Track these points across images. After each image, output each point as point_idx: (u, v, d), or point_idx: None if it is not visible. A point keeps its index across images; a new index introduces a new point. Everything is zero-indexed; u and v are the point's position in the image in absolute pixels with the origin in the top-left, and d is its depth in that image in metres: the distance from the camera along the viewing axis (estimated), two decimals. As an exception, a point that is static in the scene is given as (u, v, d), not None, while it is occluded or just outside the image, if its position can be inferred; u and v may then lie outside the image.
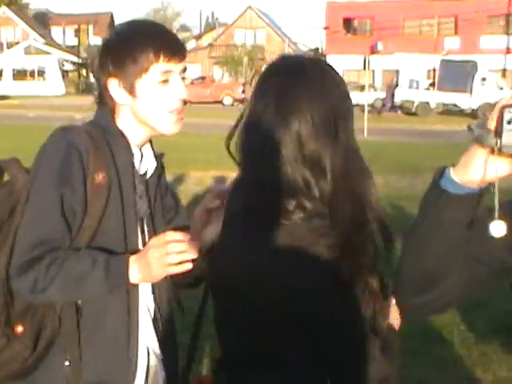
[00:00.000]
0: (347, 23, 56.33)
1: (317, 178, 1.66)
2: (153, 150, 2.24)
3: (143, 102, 2.05)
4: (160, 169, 2.26)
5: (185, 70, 2.09)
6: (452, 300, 1.62)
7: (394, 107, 39.97)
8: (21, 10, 69.29)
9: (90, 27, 67.09)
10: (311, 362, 1.66)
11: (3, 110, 34.59)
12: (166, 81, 2.04)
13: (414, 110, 38.66)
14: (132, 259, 1.91)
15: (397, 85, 41.49)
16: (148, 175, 2.18)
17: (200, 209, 2.14)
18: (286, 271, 1.63)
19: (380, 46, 49.95)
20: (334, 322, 1.65)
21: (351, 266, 1.65)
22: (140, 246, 2.09)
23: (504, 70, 50.84)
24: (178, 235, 1.85)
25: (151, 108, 2.06)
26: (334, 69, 1.85)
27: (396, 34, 51.77)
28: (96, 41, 65.08)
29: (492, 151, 1.38)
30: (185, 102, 2.10)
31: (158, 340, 2.16)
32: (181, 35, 79.72)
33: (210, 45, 65.81)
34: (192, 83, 52.80)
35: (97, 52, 2.10)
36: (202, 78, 54.00)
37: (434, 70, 42.37)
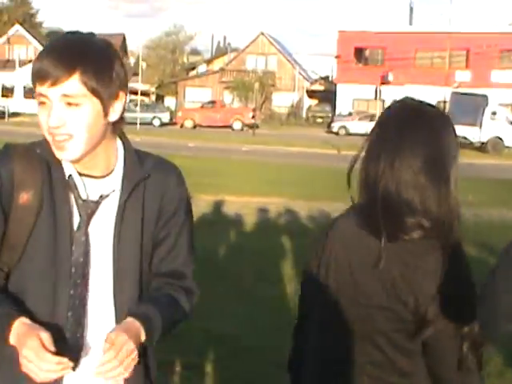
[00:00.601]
0: (359, 53, 56.55)
1: (429, 204, 1.91)
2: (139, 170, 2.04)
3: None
4: (151, 192, 2.05)
5: (69, 95, 1.84)
6: None
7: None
8: (34, 29, 69.74)
9: (102, 49, 67.46)
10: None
11: (14, 128, 34.72)
12: (42, 103, 1.87)
13: (423, 142, 38.64)
14: (15, 328, 1.80)
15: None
16: (113, 199, 2.00)
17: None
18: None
19: (391, 77, 50.13)
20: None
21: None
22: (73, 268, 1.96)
23: (515, 105, 50.87)
24: (51, 360, 1.72)
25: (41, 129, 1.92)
26: (449, 119, 2.09)
27: (407, 65, 51.93)
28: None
29: None
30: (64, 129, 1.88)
31: None
32: (192, 59, 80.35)
33: (222, 69, 66.08)
34: (202, 107, 53.00)
35: None
36: (213, 103, 54.13)
37: (445, 102, 42.41)
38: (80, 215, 1.96)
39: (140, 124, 42.08)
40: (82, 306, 1.97)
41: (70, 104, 1.86)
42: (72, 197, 1.96)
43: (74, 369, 1.86)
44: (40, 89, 1.85)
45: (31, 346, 1.73)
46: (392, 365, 1.94)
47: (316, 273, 2.09)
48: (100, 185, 1.99)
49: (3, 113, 48.16)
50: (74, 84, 1.84)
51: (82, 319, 1.97)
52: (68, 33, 1.96)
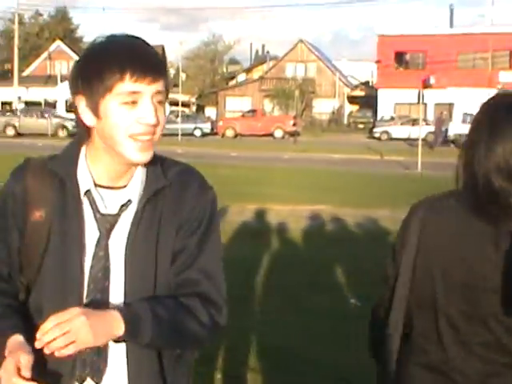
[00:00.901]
0: (399, 57, 56.25)
1: None
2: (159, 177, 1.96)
3: (106, 124, 1.83)
4: (170, 202, 1.96)
5: (161, 92, 1.84)
6: None
7: (445, 141, 39.55)
8: (74, 44, 70.84)
9: (143, 60, 68.08)
10: None
11: (57, 142, 35.15)
12: (133, 102, 1.81)
13: (467, 145, 38.25)
14: (8, 344, 1.80)
15: (446, 118, 41.14)
16: (132, 210, 1.93)
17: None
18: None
19: (432, 80, 49.59)
20: None
21: None
22: (85, 282, 1.91)
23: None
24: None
25: (112, 131, 1.83)
26: None
27: (449, 68, 51.46)
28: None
29: None
30: (158, 128, 1.86)
31: None
32: (231, 68, 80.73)
33: (261, 78, 66.28)
34: (243, 116, 53.16)
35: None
36: (253, 111, 54.27)
37: (489, 104, 41.87)
38: (99, 230, 1.91)
39: (181, 135, 42.31)
40: None
41: (159, 102, 1.85)
42: (90, 211, 1.91)
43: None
44: (134, 86, 1.79)
45: (6, 368, 1.72)
46: (503, 346, 1.98)
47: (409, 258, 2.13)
48: (120, 195, 1.94)
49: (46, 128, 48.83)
50: (163, 82, 1.86)
51: None
52: (128, 36, 1.92)
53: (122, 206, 1.92)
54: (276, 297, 7.45)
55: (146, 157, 1.85)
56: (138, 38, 1.90)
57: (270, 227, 11.81)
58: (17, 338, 1.79)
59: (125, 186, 1.94)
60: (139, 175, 1.94)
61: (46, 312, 1.84)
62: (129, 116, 1.81)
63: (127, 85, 1.79)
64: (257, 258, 9.31)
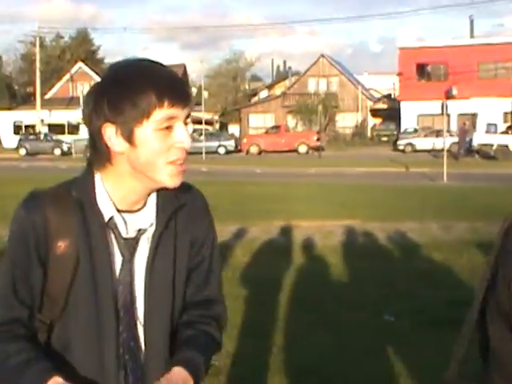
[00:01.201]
0: (420, 69, 56.14)
1: None
2: (174, 199, 1.99)
3: (143, 151, 1.81)
4: (184, 221, 2.02)
5: (188, 116, 1.87)
6: None
7: (470, 151, 39.42)
8: (96, 65, 71.27)
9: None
10: None
11: (80, 164, 35.49)
12: (169, 128, 1.81)
13: (492, 154, 38.05)
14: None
15: (469, 129, 40.99)
16: (148, 233, 1.95)
17: None
18: None
19: (455, 91, 49.60)
20: None
21: None
22: (120, 312, 1.93)
23: None
24: None
25: (151, 158, 1.82)
26: None
27: (471, 79, 51.30)
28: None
29: None
30: (187, 152, 1.87)
31: None
32: (253, 85, 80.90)
33: (283, 94, 66.36)
34: (266, 132, 53.25)
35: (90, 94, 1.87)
36: (277, 127, 54.33)
37: (512, 113, 41.76)
38: (123, 255, 1.93)
39: (205, 153, 42.48)
40: (136, 346, 1.96)
41: (186, 124, 1.88)
42: (113, 238, 1.92)
43: None
44: (171, 111, 1.80)
45: None
46: None
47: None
48: (137, 218, 1.94)
49: (70, 149, 49.40)
50: (191, 105, 1.90)
51: (137, 358, 1.97)
52: (152, 60, 1.90)
53: (140, 229, 1.94)
54: (305, 314, 7.43)
55: (180, 180, 1.88)
56: (156, 62, 1.90)
57: (298, 244, 11.81)
58: (57, 380, 1.76)
59: (140, 209, 1.95)
60: (153, 197, 1.96)
61: (76, 348, 1.90)
62: (166, 141, 1.81)
63: (165, 110, 1.79)
64: (285, 275, 9.31)
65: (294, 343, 6.48)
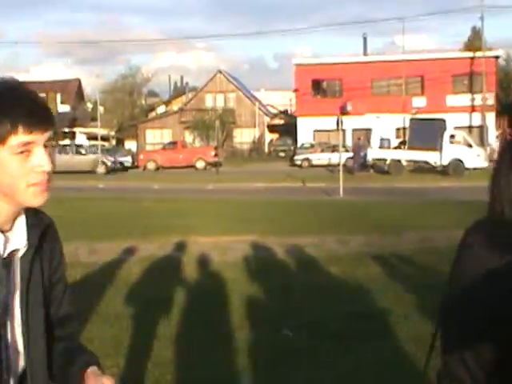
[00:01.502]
0: (316, 85, 57.13)
1: None
2: (37, 220, 2.04)
3: (1, 175, 1.84)
4: (47, 241, 2.08)
5: (51, 138, 1.88)
6: None
7: (365, 166, 40.25)
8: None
9: (58, 95, 66.71)
10: None
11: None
12: (26, 152, 1.83)
13: (386, 169, 38.98)
14: None
15: (364, 144, 41.94)
16: (20, 253, 1.97)
17: None
18: None
19: (349, 107, 50.53)
20: None
21: None
22: None
23: (470, 128, 51.73)
24: None
25: (11, 181, 1.84)
26: None
27: (365, 95, 52.51)
28: (64, 108, 65.17)
29: None
30: (53, 171, 1.90)
31: None
32: (150, 101, 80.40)
33: (181, 109, 66.24)
34: (164, 149, 52.98)
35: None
36: (174, 143, 54.20)
37: (404, 129, 42.96)
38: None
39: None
40: (7, 365, 1.95)
41: (51, 146, 1.89)
42: None
43: None
44: (28, 137, 1.82)
45: None
46: None
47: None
48: (9, 238, 1.96)
49: None
50: (53, 128, 1.91)
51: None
52: (12, 81, 1.92)
53: (14, 249, 1.95)
54: (202, 331, 7.28)
55: (45, 199, 1.89)
56: (20, 83, 1.92)
57: (194, 260, 11.63)
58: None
59: (9, 229, 1.96)
60: (23, 218, 1.99)
61: None
62: (24, 165, 1.83)
63: (20, 137, 1.81)
64: (179, 291, 9.13)
65: (188, 361, 6.35)
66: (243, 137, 62.90)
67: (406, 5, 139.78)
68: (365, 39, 63.54)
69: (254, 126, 63.51)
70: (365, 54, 61.73)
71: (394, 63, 53.99)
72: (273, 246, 13.02)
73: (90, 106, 77.54)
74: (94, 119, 53.42)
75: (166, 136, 62.21)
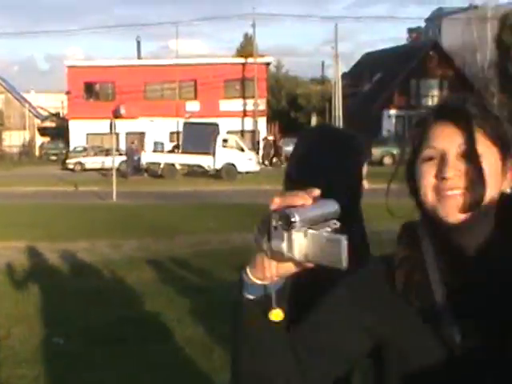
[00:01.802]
0: (89, 88, 56.21)
1: None
2: None
3: None
4: None
5: None
6: None
7: (138, 170, 40.13)
8: None
9: None
10: None
11: None
12: None
13: (160, 173, 39.13)
14: None
15: (138, 148, 41.87)
16: None
17: None
18: None
19: (122, 110, 50.26)
20: None
21: None
22: None
23: (242, 132, 53.38)
24: None
25: None
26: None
27: (138, 98, 52.47)
28: None
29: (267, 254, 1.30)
30: None
31: None
32: None
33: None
34: None
35: None
36: None
37: (178, 133, 43.44)
38: None
39: None
40: None
41: None
42: None
43: None
44: None
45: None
46: None
47: None
48: None
49: None
50: None
51: None
52: None
53: None
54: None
55: None
56: None
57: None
58: None
59: None
60: None
61: None
62: None
63: None
64: None
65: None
66: (13, 140, 60.53)
67: (180, 9, 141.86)
68: (138, 43, 63.50)
69: (24, 129, 61.39)
70: (139, 57, 61.69)
71: (168, 67, 54.40)
72: (44, 251, 12.65)
73: None
74: None
75: None
